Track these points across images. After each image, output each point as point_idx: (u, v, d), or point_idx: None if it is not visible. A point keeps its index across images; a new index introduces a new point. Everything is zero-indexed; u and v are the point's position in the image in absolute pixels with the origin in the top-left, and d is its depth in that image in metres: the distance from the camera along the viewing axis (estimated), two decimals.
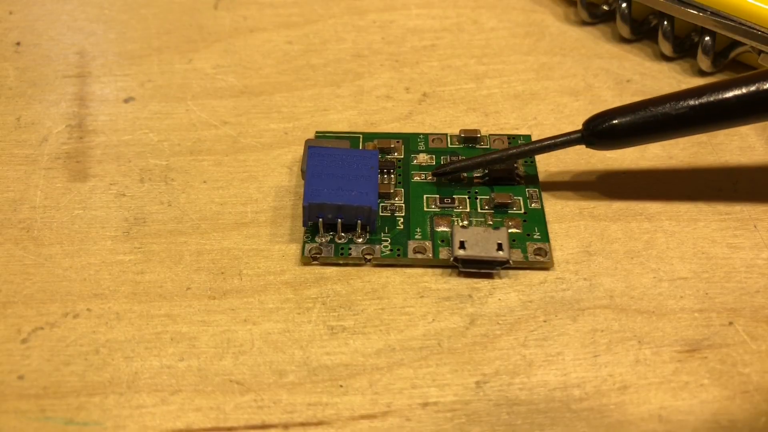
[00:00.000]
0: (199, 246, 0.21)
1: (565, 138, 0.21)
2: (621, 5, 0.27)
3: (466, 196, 0.22)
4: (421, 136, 0.24)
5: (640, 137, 0.21)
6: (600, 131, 0.21)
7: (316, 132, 0.24)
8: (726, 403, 0.18)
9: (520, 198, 0.22)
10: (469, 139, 0.24)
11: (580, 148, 0.23)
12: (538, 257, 0.20)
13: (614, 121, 0.20)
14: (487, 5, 0.30)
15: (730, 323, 0.19)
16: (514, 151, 0.22)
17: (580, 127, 0.21)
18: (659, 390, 0.18)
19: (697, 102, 0.20)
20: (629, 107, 0.21)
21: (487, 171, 0.22)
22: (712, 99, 0.20)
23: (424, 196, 0.22)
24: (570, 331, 0.19)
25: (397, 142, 0.23)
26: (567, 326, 0.19)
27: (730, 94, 0.20)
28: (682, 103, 0.20)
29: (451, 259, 0.20)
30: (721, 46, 0.26)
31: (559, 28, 0.28)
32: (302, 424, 0.17)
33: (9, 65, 0.27)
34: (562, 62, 0.27)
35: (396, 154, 0.23)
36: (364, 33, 0.28)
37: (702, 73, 0.26)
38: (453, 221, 0.21)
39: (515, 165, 0.23)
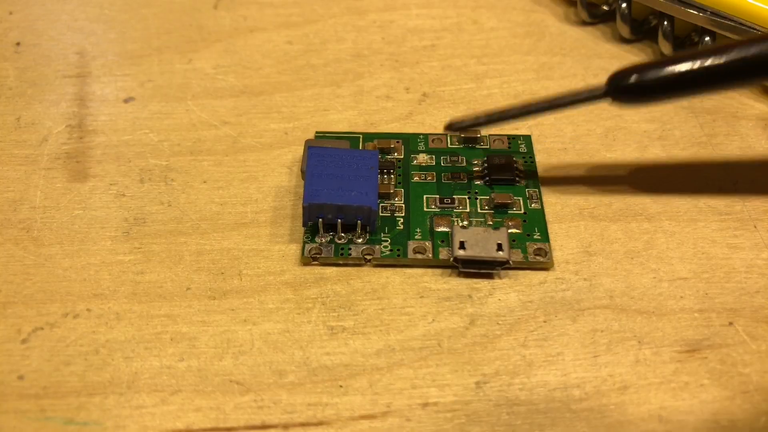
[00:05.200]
0: (199, 246, 0.21)
1: (589, 93, 0.20)
2: (621, 5, 0.27)
3: (466, 196, 0.22)
4: (421, 136, 0.24)
5: (667, 93, 0.20)
6: (625, 86, 0.20)
7: (316, 132, 0.24)
8: (726, 403, 0.18)
9: (520, 198, 0.22)
10: (469, 139, 0.24)
11: (581, 148, 0.24)
12: (538, 257, 0.20)
13: (641, 76, 0.19)
14: (487, 5, 0.30)
15: (730, 323, 0.19)
16: (534, 107, 0.21)
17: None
18: (659, 390, 0.18)
19: (728, 58, 0.19)
20: (657, 62, 0.20)
21: (487, 171, 0.22)
22: (745, 53, 0.19)
23: (424, 196, 0.22)
24: (570, 332, 0.19)
25: (397, 142, 0.23)
26: (567, 326, 0.19)
27: (764, 48, 0.19)
28: (714, 59, 0.19)
29: (451, 259, 0.20)
30: None
31: (559, 28, 0.28)
32: (302, 425, 0.17)
33: (9, 65, 0.27)
34: (562, 62, 0.27)
35: (396, 154, 0.23)
36: (364, 33, 0.28)
37: None
38: (453, 221, 0.21)
39: (515, 164, 0.23)
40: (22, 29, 0.28)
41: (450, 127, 0.21)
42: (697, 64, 0.19)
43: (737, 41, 0.20)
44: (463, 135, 0.24)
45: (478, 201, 0.22)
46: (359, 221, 0.20)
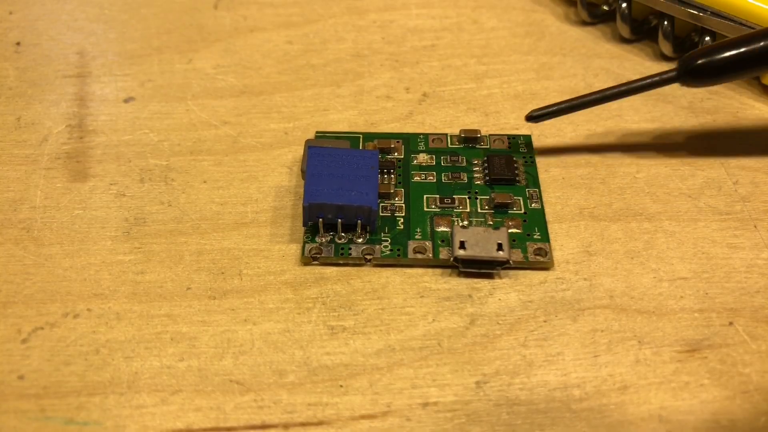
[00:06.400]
0: (199, 246, 0.21)
1: (660, 77, 0.22)
2: (621, 5, 0.27)
3: (466, 196, 0.22)
4: (421, 136, 0.24)
5: (735, 73, 0.21)
6: (695, 68, 0.21)
7: (316, 132, 0.24)
8: (726, 403, 0.18)
9: (520, 198, 0.22)
10: (469, 139, 0.24)
11: (582, 148, 0.24)
12: (538, 257, 0.20)
13: (710, 58, 0.21)
14: (487, 5, 0.30)
15: (730, 323, 0.19)
16: (611, 92, 0.22)
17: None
18: (659, 390, 0.18)
19: None
20: (726, 44, 0.21)
21: (487, 171, 0.22)
22: None
23: (424, 196, 0.22)
24: (570, 331, 0.19)
25: (397, 142, 0.23)
26: (567, 326, 0.19)
27: None
28: None
29: (451, 259, 0.20)
30: None
31: (559, 28, 0.28)
32: (302, 424, 0.17)
33: (9, 65, 0.27)
34: (562, 62, 0.27)
35: (396, 154, 0.23)
36: (364, 33, 0.28)
37: None
38: (453, 221, 0.21)
39: (515, 164, 0.23)
40: (22, 29, 0.28)
41: (530, 117, 0.22)
42: (765, 43, 0.20)
43: None
44: (463, 135, 0.24)
45: (478, 201, 0.22)
46: (359, 221, 0.20)
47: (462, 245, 0.20)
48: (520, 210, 0.22)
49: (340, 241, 0.21)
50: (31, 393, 0.18)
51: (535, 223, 0.21)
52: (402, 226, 0.21)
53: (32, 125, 0.25)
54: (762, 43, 0.20)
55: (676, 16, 0.26)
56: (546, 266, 0.20)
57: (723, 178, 0.23)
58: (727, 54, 0.21)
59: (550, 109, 0.22)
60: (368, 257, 0.20)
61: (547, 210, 0.22)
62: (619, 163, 0.23)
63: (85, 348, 0.19)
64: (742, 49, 0.21)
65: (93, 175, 0.23)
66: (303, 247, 0.21)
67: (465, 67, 0.27)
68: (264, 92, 0.26)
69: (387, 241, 0.21)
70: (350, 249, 0.20)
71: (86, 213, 0.22)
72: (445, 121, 0.25)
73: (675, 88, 0.26)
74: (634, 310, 0.19)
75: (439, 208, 0.22)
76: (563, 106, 0.22)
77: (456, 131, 0.24)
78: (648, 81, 0.22)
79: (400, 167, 0.23)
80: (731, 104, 0.25)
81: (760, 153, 0.24)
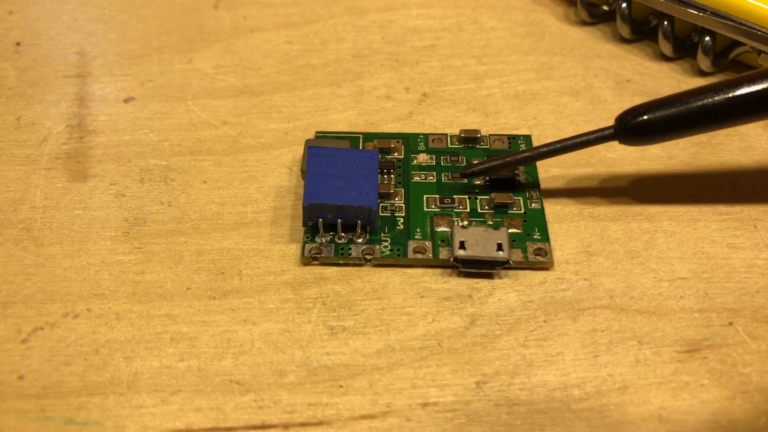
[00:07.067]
0: (199, 246, 0.21)
1: (597, 135, 0.21)
2: (621, 5, 0.27)
3: (466, 196, 0.22)
4: (421, 136, 0.24)
5: (674, 132, 0.20)
6: (633, 127, 0.20)
7: (316, 132, 0.24)
8: (726, 403, 0.18)
9: (520, 198, 0.22)
10: (469, 139, 0.24)
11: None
12: (538, 257, 0.20)
13: (648, 117, 0.20)
14: (487, 5, 0.30)
15: (730, 323, 0.19)
16: (546, 149, 0.21)
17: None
18: (659, 390, 0.18)
19: (735, 94, 0.19)
20: (663, 102, 0.20)
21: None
22: (752, 90, 0.19)
23: (424, 196, 0.22)
24: (570, 331, 0.19)
25: (397, 142, 0.23)
26: (567, 326, 0.19)
27: None
28: (719, 96, 0.19)
29: (451, 259, 0.20)
30: (721, 46, 0.26)
31: (559, 28, 0.28)
32: (302, 425, 0.17)
33: (9, 65, 0.27)
34: (562, 62, 0.27)
35: (396, 154, 0.23)
36: (364, 33, 0.28)
37: (702, 73, 0.26)
38: (453, 221, 0.21)
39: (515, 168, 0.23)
40: (22, 29, 0.28)
41: (463, 174, 0.22)
42: (703, 102, 0.20)
43: (740, 78, 0.20)
44: (463, 135, 0.24)
45: (478, 201, 0.22)
46: (359, 221, 0.20)
47: (462, 245, 0.20)
48: (520, 210, 0.22)
49: (340, 241, 0.21)
50: (31, 393, 0.18)
51: (535, 223, 0.21)
52: (402, 226, 0.21)
53: (32, 125, 0.25)
54: (702, 102, 0.20)
55: (676, 16, 0.26)
56: (546, 266, 0.20)
57: (723, 178, 0.23)
58: (667, 113, 0.20)
59: (483, 166, 0.22)
60: (368, 257, 0.20)
61: (547, 210, 0.22)
62: (619, 163, 0.23)
63: (85, 348, 0.19)
64: (682, 108, 0.20)
65: (93, 175, 0.23)
66: (303, 247, 0.21)
67: (465, 67, 0.27)
68: (264, 92, 0.26)
69: (387, 241, 0.21)
70: (350, 249, 0.20)
71: (86, 213, 0.22)
72: (445, 121, 0.25)
73: (673, 86, 0.26)
74: (634, 310, 0.19)
75: (439, 208, 0.22)
76: (495, 163, 0.22)
77: (456, 131, 0.24)
78: (584, 139, 0.21)
79: (400, 167, 0.23)
80: None
81: (760, 153, 0.24)
